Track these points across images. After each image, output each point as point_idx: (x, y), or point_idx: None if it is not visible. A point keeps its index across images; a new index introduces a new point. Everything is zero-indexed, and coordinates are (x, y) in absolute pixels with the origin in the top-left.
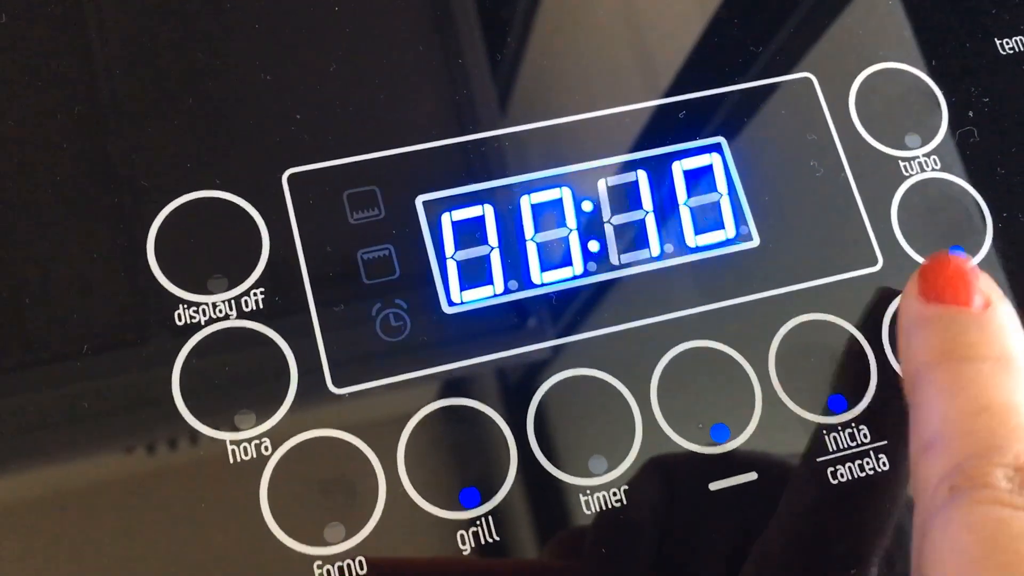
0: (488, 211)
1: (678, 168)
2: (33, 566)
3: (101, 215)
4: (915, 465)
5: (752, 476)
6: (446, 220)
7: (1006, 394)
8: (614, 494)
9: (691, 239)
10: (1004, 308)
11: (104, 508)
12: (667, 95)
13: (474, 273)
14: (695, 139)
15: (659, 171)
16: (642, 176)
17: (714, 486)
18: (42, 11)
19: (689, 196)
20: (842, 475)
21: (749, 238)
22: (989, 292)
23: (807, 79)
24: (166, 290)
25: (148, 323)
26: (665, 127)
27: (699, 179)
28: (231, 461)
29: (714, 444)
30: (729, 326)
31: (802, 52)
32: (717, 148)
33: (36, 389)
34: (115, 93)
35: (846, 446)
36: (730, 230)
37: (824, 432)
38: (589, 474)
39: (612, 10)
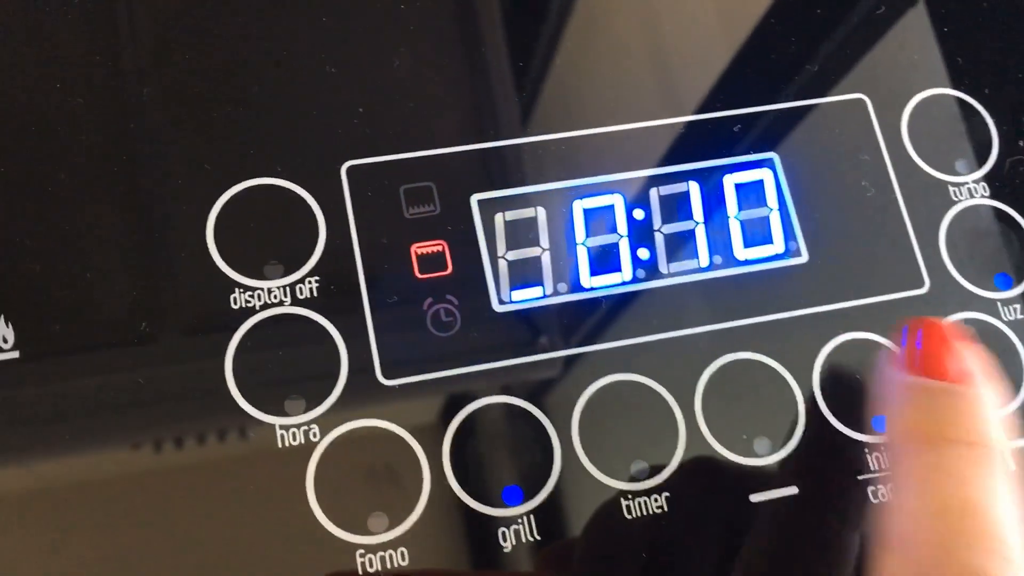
0: (541, 213)
1: (730, 181)
2: (80, 548)
3: (163, 196)
4: (875, 560)
5: (793, 490)
6: (499, 220)
7: (977, 492)
8: (655, 500)
9: (740, 252)
10: (985, 388)
11: (155, 488)
12: (722, 109)
13: (524, 273)
14: (748, 153)
15: (711, 183)
16: (694, 187)
17: (755, 498)
18: None
19: (740, 209)
20: (883, 495)
21: (798, 254)
22: (973, 368)
23: (860, 100)
24: (223, 273)
25: (204, 305)
26: (719, 140)
27: (750, 193)
28: (279, 445)
29: (757, 456)
30: (775, 340)
31: (857, 73)
32: (769, 163)
33: (96, 372)
34: (184, 78)
35: (888, 465)
36: (779, 245)
37: (867, 450)
38: (631, 479)
39: (672, 21)
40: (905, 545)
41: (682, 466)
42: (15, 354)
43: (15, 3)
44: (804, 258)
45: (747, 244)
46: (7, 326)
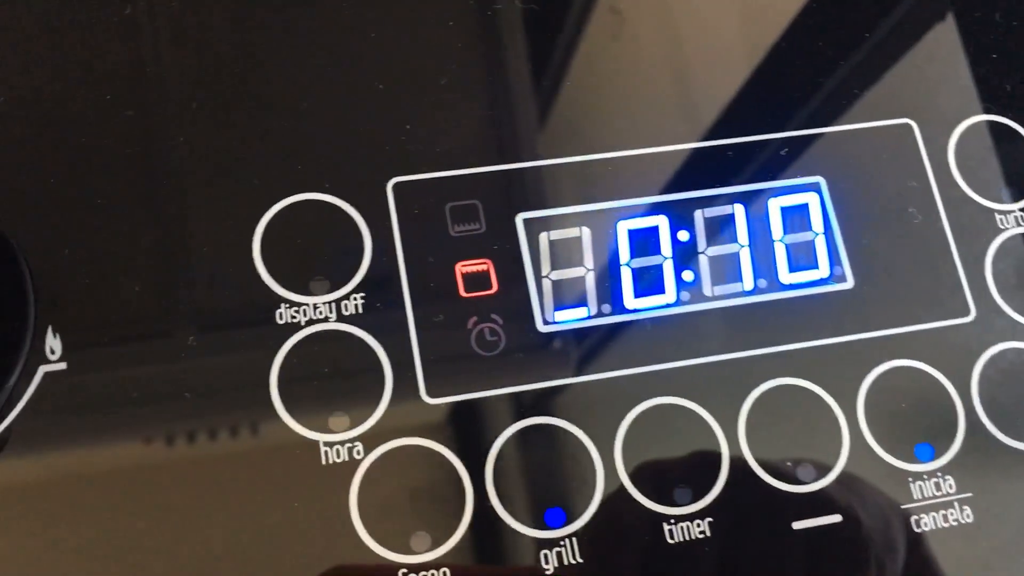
0: (585, 233)
1: (775, 205)
2: (120, 536)
3: (211, 211)
4: None
5: (836, 519)
6: (544, 239)
7: None
8: (698, 525)
9: (785, 276)
10: None
11: (198, 502)
12: (769, 131)
13: (568, 293)
14: (794, 177)
15: (756, 206)
16: (739, 210)
17: (798, 525)
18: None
19: (785, 233)
20: (926, 524)
21: (843, 279)
22: None
23: (907, 125)
24: (269, 288)
25: (249, 320)
26: (765, 163)
27: (795, 217)
28: (323, 462)
29: (800, 483)
30: (819, 366)
31: (904, 98)
32: (815, 187)
33: (141, 386)
34: (234, 93)
35: (931, 495)
36: (824, 270)
37: (910, 479)
38: (673, 503)
39: (718, 44)
40: None
41: (725, 492)
42: (63, 365)
43: (66, 15)
44: (849, 284)
45: (792, 268)
46: (55, 338)
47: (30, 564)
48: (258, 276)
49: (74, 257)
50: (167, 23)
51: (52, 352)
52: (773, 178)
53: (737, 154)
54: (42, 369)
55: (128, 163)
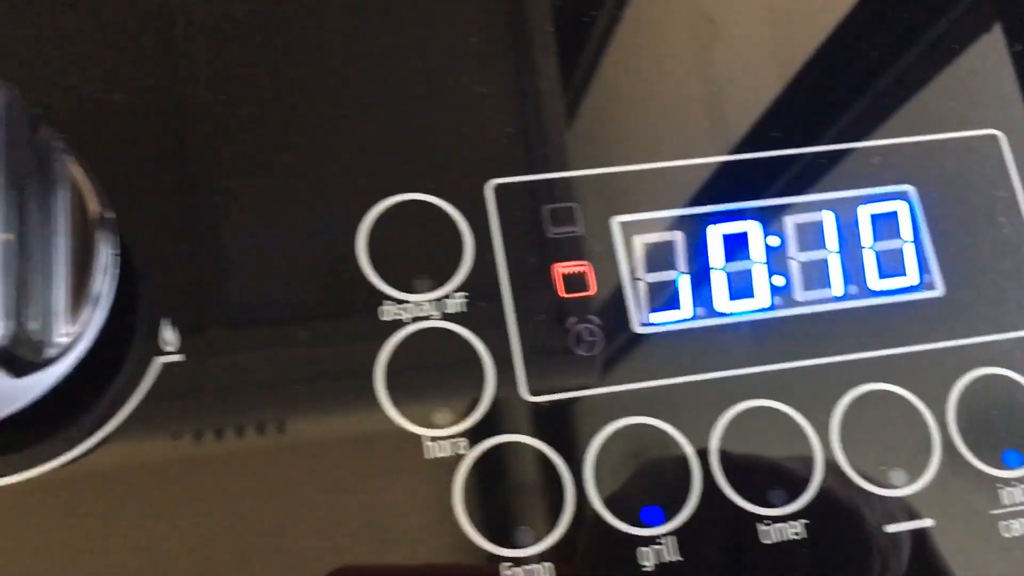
0: (679, 237)
1: (865, 212)
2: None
3: (318, 207)
4: None
5: (929, 523)
6: (638, 242)
7: None
8: (792, 527)
9: (874, 282)
10: None
11: (301, 493)
12: (859, 140)
13: (663, 296)
14: (884, 185)
15: (846, 213)
16: (828, 217)
17: (891, 528)
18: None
19: (875, 240)
20: (1016, 530)
21: (932, 287)
22: None
23: (994, 136)
24: (373, 286)
25: (354, 316)
26: (855, 171)
27: (885, 224)
28: (426, 456)
29: (893, 487)
30: (910, 372)
31: (990, 109)
32: (904, 196)
33: (252, 377)
34: (342, 95)
35: (1020, 501)
36: (913, 277)
37: (998, 485)
38: (769, 504)
39: (812, 53)
40: None
41: (819, 494)
42: (180, 357)
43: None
44: (939, 291)
45: (881, 275)
46: (172, 330)
47: (157, 543)
48: (363, 273)
49: (191, 253)
50: (281, 30)
51: (169, 344)
52: (863, 186)
53: (828, 161)
54: (159, 360)
55: (241, 161)
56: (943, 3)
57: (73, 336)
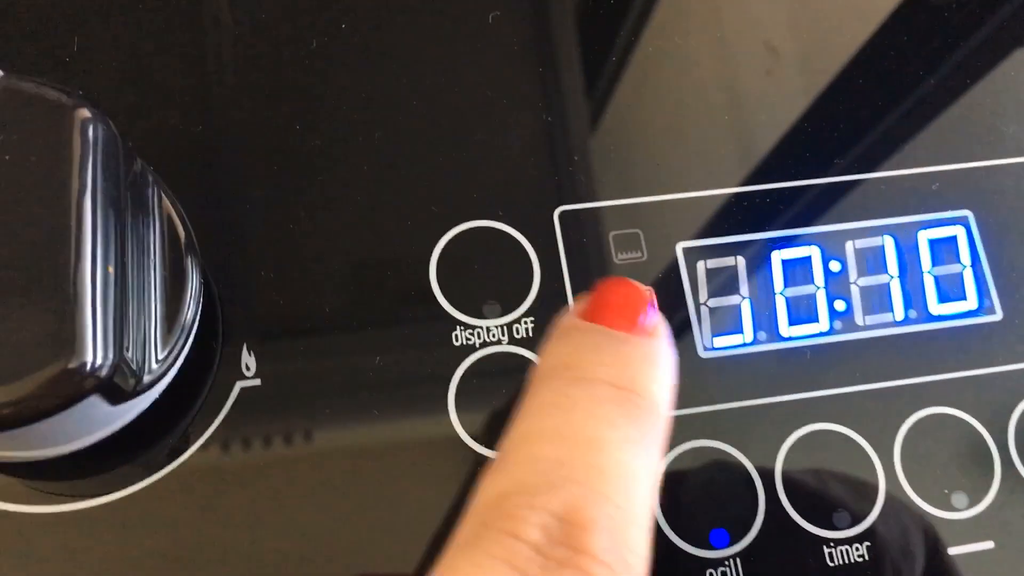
0: (740, 262)
1: (924, 237)
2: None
3: (391, 235)
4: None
5: (989, 545)
6: (701, 267)
7: (604, 428)
8: (856, 549)
9: (934, 307)
10: (658, 344)
11: (378, 501)
12: (918, 166)
13: (726, 321)
14: (942, 211)
15: (906, 238)
16: (888, 242)
17: (952, 551)
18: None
19: (933, 265)
20: None
21: (992, 311)
22: (653, 327)
23: None
24: (445, 311)
25: (428, 342)
26: (915, 197)
27: (944, 249)
28: None
29: (955, 510)
30: (971, 396)
31: None
32: (963, 221)
33: (330, 400)
34: (413, 122)
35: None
36: (973, 302)
37: None
38: (833, 527)
39: (869, 81)
40: (506, 463)
41: (882, 516)
42: (257, 381)
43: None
44: (999, 316)
45: (941, 299)
46: (250, 355)
47: (248, 546)
48: (435, 299)
49: (267, 281)
50: (344, 55)
51: (248, 369)
52: (922, 211)
53: (887, 187)
54: (239, 384)
55: (314, 190)
56: (1001, 29)
57: (166, 364)
